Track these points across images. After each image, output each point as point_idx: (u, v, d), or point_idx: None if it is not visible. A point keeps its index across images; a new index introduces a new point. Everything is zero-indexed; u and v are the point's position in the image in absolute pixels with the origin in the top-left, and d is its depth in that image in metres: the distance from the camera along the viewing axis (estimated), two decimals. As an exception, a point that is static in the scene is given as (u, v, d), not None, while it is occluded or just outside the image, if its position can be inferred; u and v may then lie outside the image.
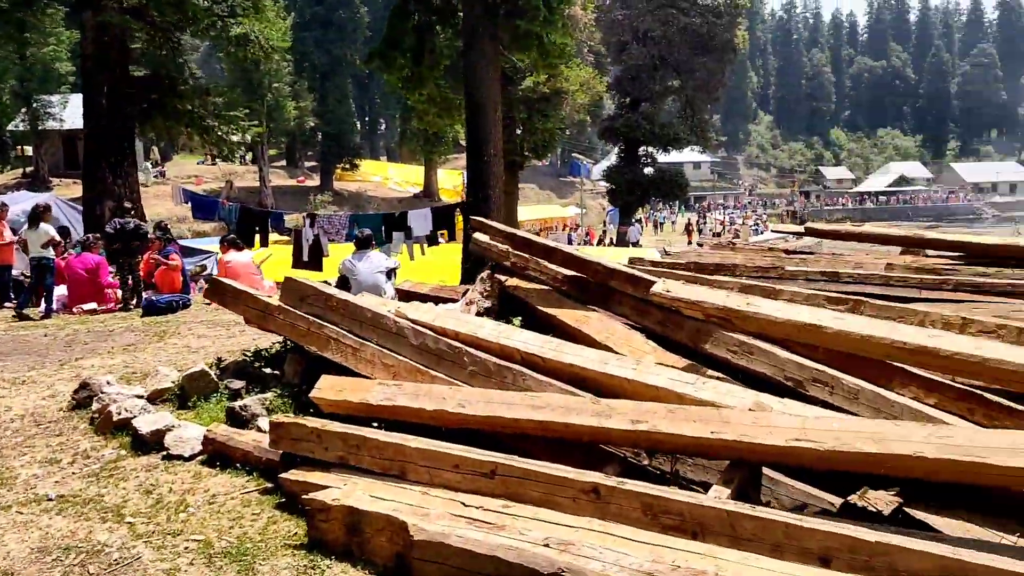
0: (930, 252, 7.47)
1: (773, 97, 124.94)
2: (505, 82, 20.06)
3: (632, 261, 7.51)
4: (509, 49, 14.69)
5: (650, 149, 37.30)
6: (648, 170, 37.60)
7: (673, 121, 38.30)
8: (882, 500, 3.09)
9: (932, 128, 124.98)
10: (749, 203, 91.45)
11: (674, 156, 62.31)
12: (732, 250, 8.14)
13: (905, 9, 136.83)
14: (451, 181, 51.88)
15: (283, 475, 4.02)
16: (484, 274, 6.31)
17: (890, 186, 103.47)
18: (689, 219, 54.78)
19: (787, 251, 7.96)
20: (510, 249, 6.16)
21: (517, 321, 5.70)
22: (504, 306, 6.12)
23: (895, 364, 3.40)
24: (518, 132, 23.91)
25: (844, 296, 4.03)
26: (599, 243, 38.10)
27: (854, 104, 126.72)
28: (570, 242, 33.67)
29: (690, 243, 46.08)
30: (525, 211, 38.35)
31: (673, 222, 63.75)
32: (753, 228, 50.98)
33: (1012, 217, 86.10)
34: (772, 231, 8.79)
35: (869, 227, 8.41)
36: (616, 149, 40.33)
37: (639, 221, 47.89)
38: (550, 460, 3.36)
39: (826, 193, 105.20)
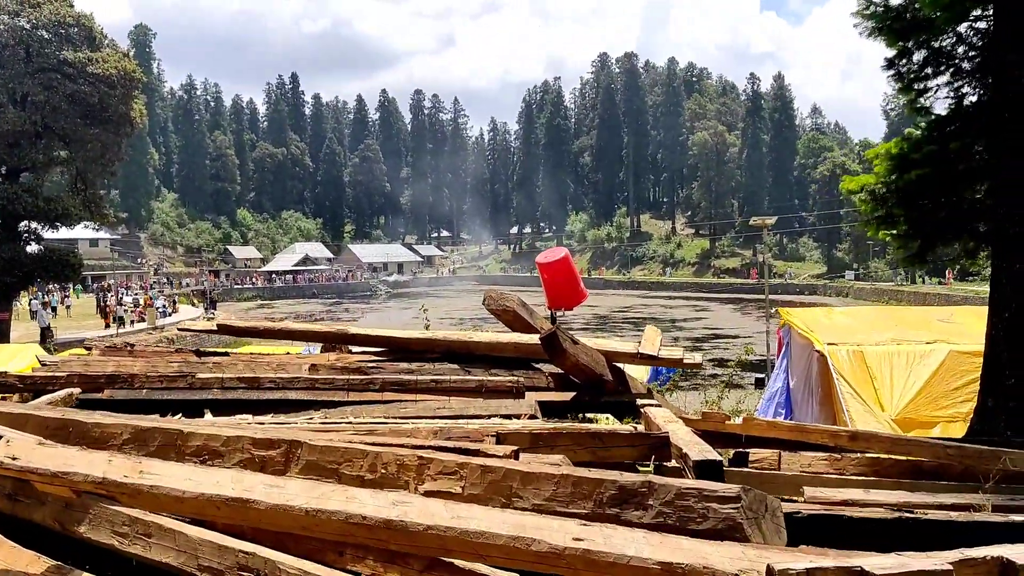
0: (355, 348, 7.08)
1: (178, 175, 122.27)
2: None
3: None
4: None
5: (34, 225, 32.32)
6: (32, 248, 32.48)
7: (62, 195, 33.91)
8: None
9: (330, 211, 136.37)
10: (156, 282, 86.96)
11: (66, 232, 55.79)
12: (130, 354, 6.64)
13: (301, 102, 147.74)
14: None
15: None
16: None
17: (296, 265, 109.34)
18: (107, 301, 48.95)
19: (198, 352, 6.78)
20: None
21: None
22: None
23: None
24: None
25: (274, 439, 3.05)
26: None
27: (259, 186, 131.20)
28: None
29: (108, 326, 41.15)
30: None
31: (68, 306, 56.63)
32: (161, 310, 47.94)
33: (401, 293, 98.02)
34: (179, 329, 7.76)
35: (290, 323, 7.74)
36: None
37: (45, 304, 41.06)
38: None
39: (235, 272, 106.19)
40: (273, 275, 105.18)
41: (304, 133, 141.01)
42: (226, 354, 6.89)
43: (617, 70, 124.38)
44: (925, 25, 6.74)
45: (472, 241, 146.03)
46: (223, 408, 5.91)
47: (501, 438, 4.73)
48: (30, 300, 54.98)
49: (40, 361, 6.20)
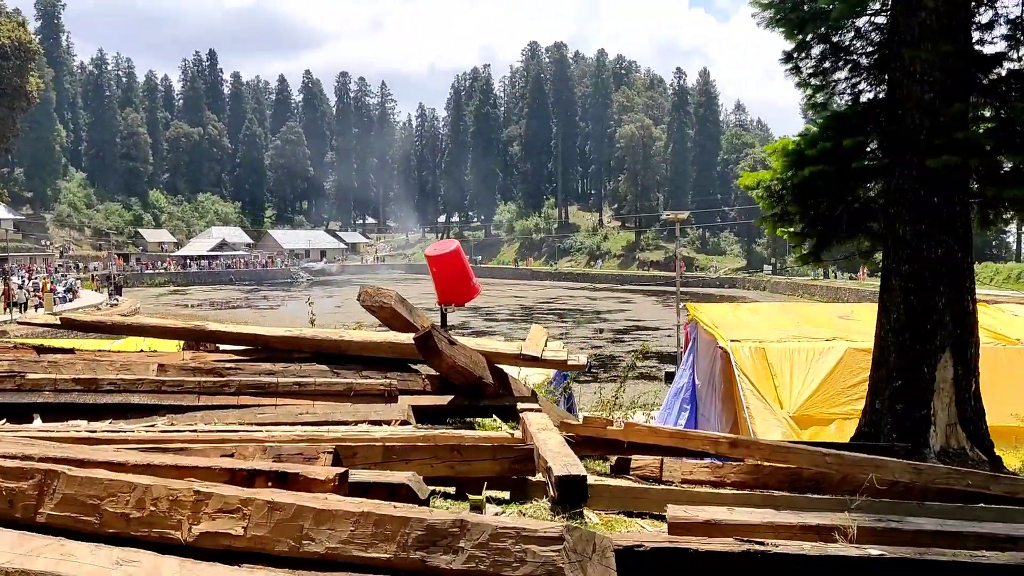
0: (224, 347, 6.52)
1: (86, 154, 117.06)
2: None
3: None
4: None
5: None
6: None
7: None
8: None
9: (250, 195, 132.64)
10: (62, 265, 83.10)
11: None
12: (-42, 352, 5.94)
13: (219, 80, 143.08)
14: None
15: None
16: None
17: (212, 250, 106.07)
18: (7, 284, 46.23)
19: (39, 348, 6.13)
20: None
21: None
22: None
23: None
24: None
25: (26, 468, 2.55)
26: None
27: (173, 167, 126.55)
28: None
29: (6, 309, 38.79)
30: None
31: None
32: (60, 296, 45.62)
33: (325, 281, 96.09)
34: (18, 323, 7.15)
35: (143, 318, 7.12)
36: None
37: None
38: None
39: (147, 256, 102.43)
40: (188, 260, 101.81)
41: (223, 113, 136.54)
42: (72, 351, 6.26)
43: (547, 60, 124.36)
44: (823, 17, 6.53)
45: (399, 229, 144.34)
46: (56, 412, 5.32)
47: (350, 452, 4.31)
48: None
49: None
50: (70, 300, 45.88)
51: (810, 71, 7.35)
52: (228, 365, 5.87)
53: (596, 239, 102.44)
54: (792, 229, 7.78)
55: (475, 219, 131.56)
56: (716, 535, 3.54)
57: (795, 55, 7.29)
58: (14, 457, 3.04)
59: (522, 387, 6.07)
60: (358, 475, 3.87)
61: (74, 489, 2.51)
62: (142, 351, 6.51)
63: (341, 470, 3.21)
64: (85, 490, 2.50)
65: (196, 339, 6.35)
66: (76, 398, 5.38)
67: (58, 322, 6.26)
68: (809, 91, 7.45)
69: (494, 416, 6.42)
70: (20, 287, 44.94)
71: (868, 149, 7.06)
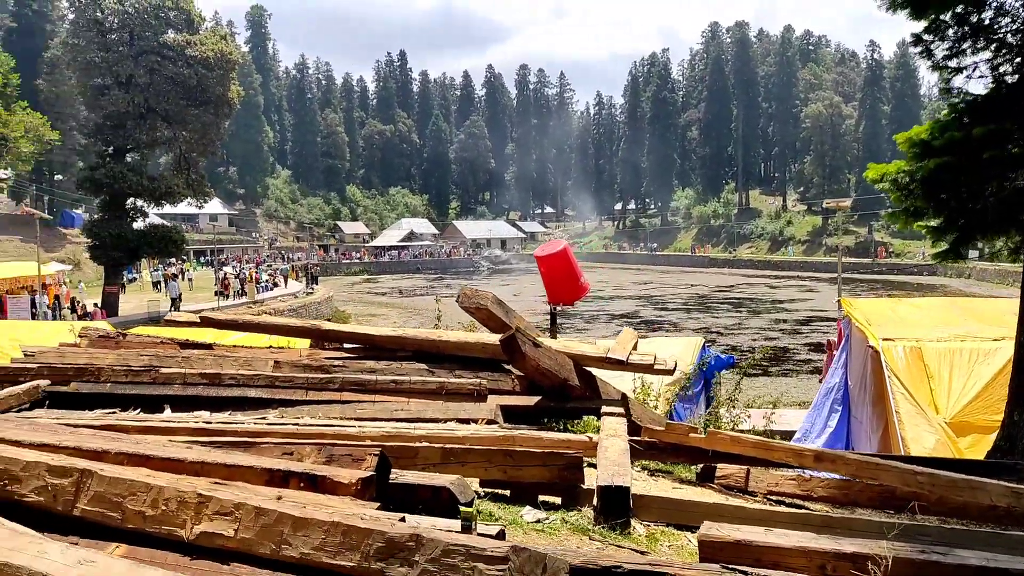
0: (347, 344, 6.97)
1: (291, 153, 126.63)
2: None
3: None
4: None
5: (140, 202, 34.04)
6: (138, 224, 34.25)
7: (165, 173, 35.55)
8: None
9: (436, 188, 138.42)
10: (269, 256, 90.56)
11: (187, 209, 58.79)
12: (117, 344, 6.77)
13: (409, 80, 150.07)
14: None
15: None
16: None
17: (402, 240, 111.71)
18: (226, 273, 51.61)
19: (182, 343, 6.85)
20: None
21: None
22: None
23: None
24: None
25: (68, 467, 2.94)
26: (73, 309, 32.75)
27: (368, 163, 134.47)
28: (33, 308, 28.66)
29: (243, 295, 43.17)
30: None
31: (189, 279, 59.51)
32: (264, 286, 49.81)
33: (505, 270, 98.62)
34: (165, 321, 7.97)
35: (269, 317, 7.74)
36: (100, 201, 36.10)
37: (171, 276, 43.48)
38: None
39: (344, 247, 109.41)
40: (380, 250, 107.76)
41: (412, 110, 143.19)
42: (211, 346, 6.94)
43: (728, 40, 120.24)
44: (944, -4, 6.02)
45: (576, 217, 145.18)
46: (183, 404, 5.93)
47: (412, 452, 4.54)
48: (151, 272, 58.43)
49: (24, 351, 6.37)
50: (270, 289, 50.02)
51: (945, 53, 6.75)
52: (336, 362, 6.28)
53: (779, 224, 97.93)
54: (930, 223, 7.22)
55: (652, 206, 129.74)
56: (745, 556, 3.46)
57: (926, 37, 6.73)
58: (92, 451, 3.50)
59: (612, 390, 6.06)
60: (405, 476, 4.09)
61: (103, 487, 2.87)
62: (271, 347, 7.10)
63: (365, 474, 3.43)
64: (112, 489, 2.86)
65: (312, 337, 6.85)
66: (201, 391, 5.97)
67: (199, 321, 6.94)
68: (945, 75, 6.86)
69: (585, 418, 6.47)
70: (236, 276, 49.65)
71: (1012, 136, 6.42)
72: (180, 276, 48.02)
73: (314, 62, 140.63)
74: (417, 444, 4.50)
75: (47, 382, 5.90)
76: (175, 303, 36.83)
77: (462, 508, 3.17)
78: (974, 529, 3.94)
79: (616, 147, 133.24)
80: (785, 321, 47.92)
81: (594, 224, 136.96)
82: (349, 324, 6.70)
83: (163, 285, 44.13)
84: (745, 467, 5.42)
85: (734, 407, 8.82)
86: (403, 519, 2.78)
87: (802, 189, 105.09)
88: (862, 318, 11.61)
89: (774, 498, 5.32)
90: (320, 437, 4.84)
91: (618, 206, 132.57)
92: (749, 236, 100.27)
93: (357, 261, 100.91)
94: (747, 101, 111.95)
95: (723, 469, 5.50)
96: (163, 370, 6.02)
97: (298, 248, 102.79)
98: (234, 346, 7.12)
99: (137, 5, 32.09)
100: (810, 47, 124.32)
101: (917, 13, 6.42)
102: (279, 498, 2.90)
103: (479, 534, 2.97)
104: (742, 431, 7.40)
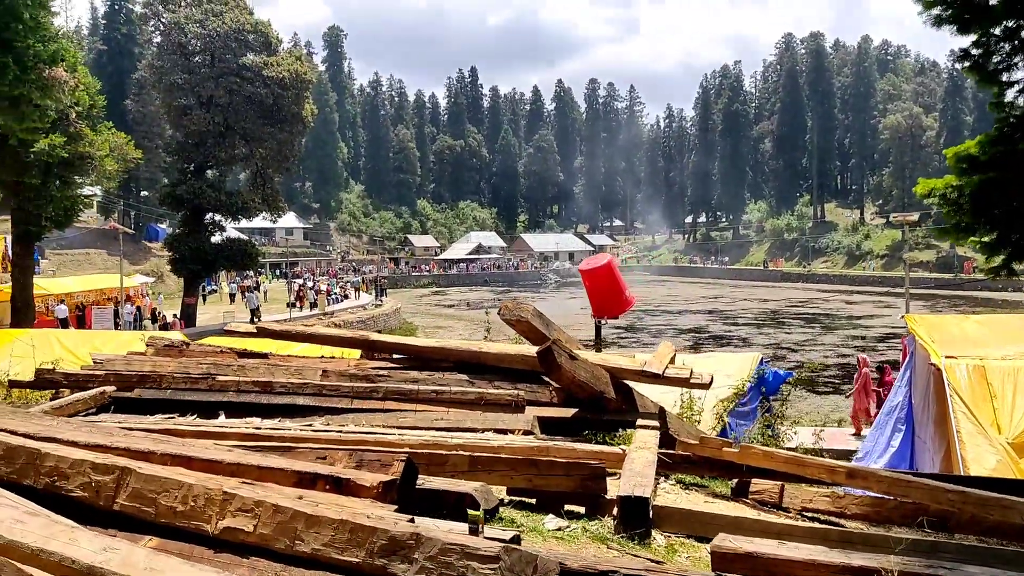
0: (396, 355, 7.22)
1: (364, 168, 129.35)
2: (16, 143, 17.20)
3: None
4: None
5: (217, 217, 35.37)
6: (216, 238, 35.57)
7: (241, 189, 36.86)
8: None
9: (505, 201, 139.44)
10: (341, 269, 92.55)
11: (264, 223, 60.60)
12: (180, 353, 7.15)
13: (479, 95, 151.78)
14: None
15: None
16: None
17: (470, 253, 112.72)
18: (299, 285, 53.48)
19: (240, 353, 7.20)
20: None
21: None
22: None
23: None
24: (31, 199, 20.53)
25: (110, 465, 3.20)
26: (154, 320, 34.21)
27: (438, 177, 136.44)
28: (116, 318, 30.08)
29: (313, 306, 44.60)
30: (71, 282, 33.74)
31: (264, 291, 61.38)
32: (334, 298, 50.97)
33: (572, 283, 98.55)
34: (225, 331, 8.31)
35: (321, 328, 8.04)
36: (180, 216, 37.64)
37: (248, 288, 45.27)
38: None
39: (414, 260, 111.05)
40: (448, 263, 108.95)
41: (481, 125, 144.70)
42: (266, 356, 7.27)
43: (802, 51, 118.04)
44: (988, 14, 5.95)
45: (645, 230, 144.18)
46: (237, 410, 6.24)
47: (442, 459, 4.71)
48: (229, 283, 60.47)
49: (93, 359, 6.80)
50: (340, 301, 51.19)
51: (995, 67, 6.66)
52: (381, 372, 6.52)
53: (856, 238, 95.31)
54: (983, 239, 7.09)
55: (723, 219, 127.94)
56: (756, 568, 3.53)
57: (974, 51, 6.65)
58: (140, 452, 3.78)
59: (649, 403, 6.14)
60: (432, 482, 4.28)
61: (140, 484, 3.12)
62: (322, 357, 7.39)
63: (387, 478, 3.61)
64: (148, 485, 3.11)
65: (361, 348, 7.10)
66: (254, 398, 6.28)
67: (256, 331, 7.28)
68: (996, 89, 6.76)
69: (625, 431, 6.54)
70: (311, 288, 51.08)
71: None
72: (253, 289, 49.72)
73: (387, 79, 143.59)
74: (447, 452, 4.68)
75: (113, 388, 6.29)
76: (255, 314, 38.18)
77: (470, 512, 3.32)
78: (995, 547, 3.90)
79: (687, 159, 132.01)
80: (862, 338, 46.60)
81: (664, 237, 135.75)
82: (395, 336, 6.94)
83: (240, 297, 45.64)
84: (779, 483, 5.43)
85: (781, 423, 8.74)
86: (411, 520, 2.95)
87: (880, 202, 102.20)
88: (926, 335, 11.32)
89: (808, 515, 5.32)
90: (360, 443, 5.06)
91: (688, 219, 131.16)
92: (824, 250, 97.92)
93: (426, 274, 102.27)
94: (822, 112, 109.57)
95: (757, 484, 5.51)
96: (219, 378, 6.35)
97: (369, 261, 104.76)
98: (288, 355, 7.43)
99: (219, 29, 33.48)
100: (888, 57, 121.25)
101: (963, 28, 6.35)
102: (300, 498, 3.11)
103: (487, 537, 3.11)
104: (789, 449, 7.36)
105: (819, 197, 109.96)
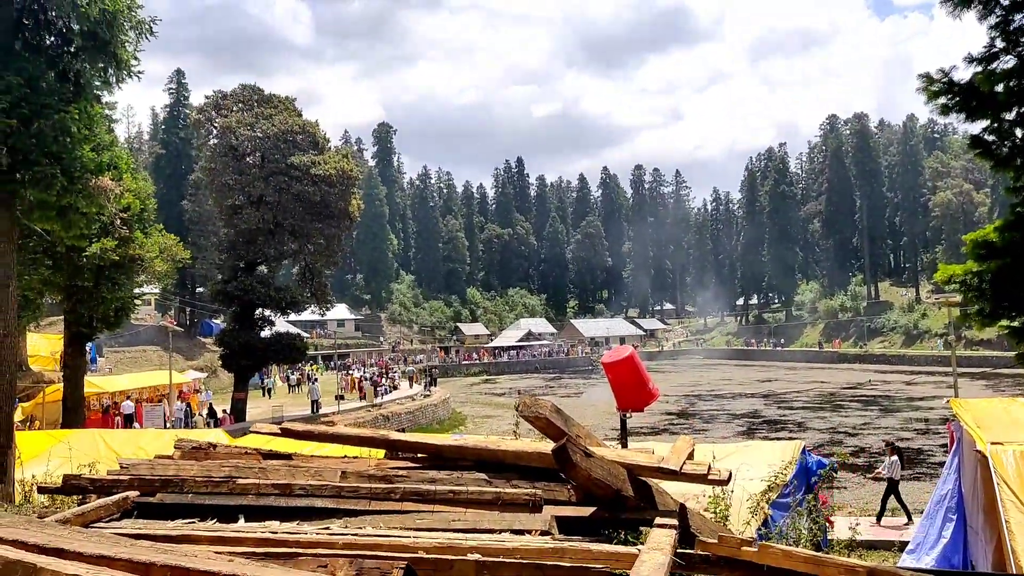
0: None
1: (414, 258, 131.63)
2: (67, 249, 18.03)
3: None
4: (28, 218, 13.00)
5: (267, 312, 36.21)
6: (265, 332, 36.32)
7: (290, 283, 37.82)
8: None
9: (554, 288, 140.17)
10: (392, 359, 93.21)
11: (309, 315, 61.81)
12: (206, 456, 7.28)
13: (526, 184, 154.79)
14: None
15: None
16: None
17: (520, 340, 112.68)
18: (358, 377, 54.44)
19: (264, 454, 7.30)
20: None
21: None
22: None
23: None
24: (83, 301, 21.40)
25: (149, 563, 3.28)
26: (212, 415, 34.74)
27: (487, 266, 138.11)
28: (164, 417, 30.59)
29: (362, 398, 45.19)
30: (124, 379, 34.62)
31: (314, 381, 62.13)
32: (384, 388, 51.22)
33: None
34: (251, 431, 8.40)
35: (342, 427, 8.13)
36: (231, 312, 38.60)
37: (300, 380, 46.08)
38: None
39: (464, 348, 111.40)
40: (498, 351, 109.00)
41: (529, 213, 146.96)
42: (290, 456, 7.35)
43: (847, 131, 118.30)
44: (992, 103, 6.00)
45: (696, 313, 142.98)
46: (257, 513, 6.29)
47: (447, 565, 4.69)
48: (287, 375, 61.33)
49: (120, 464, 6.96)
50: (388, 392, 51.38)
51: (1007, 152, 6.66)
52: (400, 472, 6.54)
53: (913, 317, 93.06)
54: (1013, 324, 6.96)
55: (775, 300, 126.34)
56: None
57: (988, 138, 6.67)
58: (140, 563, 3.85)
59: (670, 500, 6.03)
60: (435, 589, 4.25)
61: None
62: (345, 457, 7.45)
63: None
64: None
65: (381, 447, 7.15)
66: (272, 501, 6.32)
67: (280, 431, 7.40)
68: (1010, 173, 6.74)
69: (645, 530, 6.41)
70: (367, 379, 51.65)
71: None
72: (314, 380, 50.44)
73: (436, 172, 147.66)
74: (453, 558, 4.65)
75: (136, 493, 6.41)
76: (315, 405, 38.75)
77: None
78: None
79: (735, 242, 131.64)
80: (924, 420, 45.01)
81: (716, 320, 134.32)
82: (415, 434, 7.00)
83: (300, 387, 46.51)
84: (800, 585, 5.25)
85: (833, 513, 8.46)
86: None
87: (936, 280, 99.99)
88: (971, 420, 10.96)
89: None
90: (374, 547, 5.06)
91: (740, 301, 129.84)
92: (880, 330, 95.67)
93: (477, 362, 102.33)
94: (870, 191, 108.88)
95: (778, 586, 5.33)
96: (239, 481, 6.43)
97: (420, 350, 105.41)
98: (311, 456, 7.51)
99: (268, 131, 35.05)
100: (935, 135, 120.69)
101: (971, 116, 6.40)
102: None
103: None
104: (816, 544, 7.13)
105: (872, 276, 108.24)
